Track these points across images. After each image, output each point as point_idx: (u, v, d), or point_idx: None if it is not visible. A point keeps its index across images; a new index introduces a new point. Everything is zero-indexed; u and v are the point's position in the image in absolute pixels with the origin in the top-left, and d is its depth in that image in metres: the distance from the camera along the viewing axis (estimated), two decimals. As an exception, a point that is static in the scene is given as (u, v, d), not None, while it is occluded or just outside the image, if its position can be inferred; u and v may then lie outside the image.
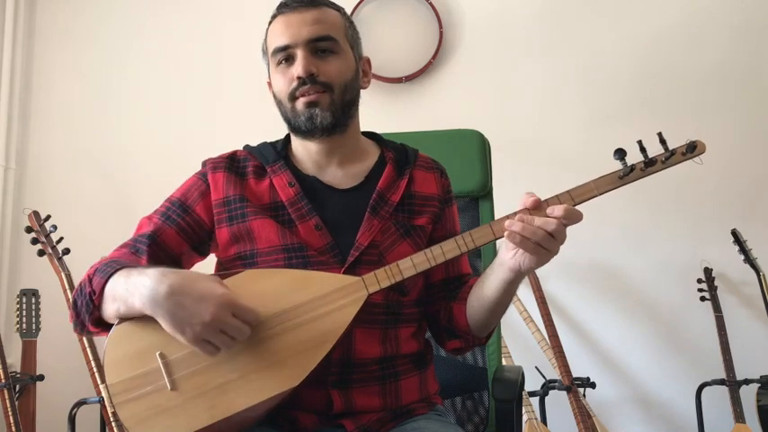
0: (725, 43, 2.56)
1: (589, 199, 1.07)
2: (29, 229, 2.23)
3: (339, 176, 1.26)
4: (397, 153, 1.31)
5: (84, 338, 2.16)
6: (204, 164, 1.29)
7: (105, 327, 1.12)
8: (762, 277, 2.36)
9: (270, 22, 1.26)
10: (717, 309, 2.36)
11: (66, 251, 2.22)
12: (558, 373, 2.30)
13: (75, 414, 2.16)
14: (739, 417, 2.25)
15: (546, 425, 2.27)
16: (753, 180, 2.51)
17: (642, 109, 2.57)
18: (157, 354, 1.05)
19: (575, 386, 2.28)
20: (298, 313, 1.07)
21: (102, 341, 1.11)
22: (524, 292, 2.44)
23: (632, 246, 2.54)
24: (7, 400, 2.14)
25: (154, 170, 2.69)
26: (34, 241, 2.21)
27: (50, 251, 2.21)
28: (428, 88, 2.70)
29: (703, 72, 2.56)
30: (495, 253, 1.19)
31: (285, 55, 1.21)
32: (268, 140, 1.33)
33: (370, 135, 1.36)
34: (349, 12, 1.68)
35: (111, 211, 2.74)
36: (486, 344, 1.38)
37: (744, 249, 2.37)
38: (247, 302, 1.03)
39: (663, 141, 1.07)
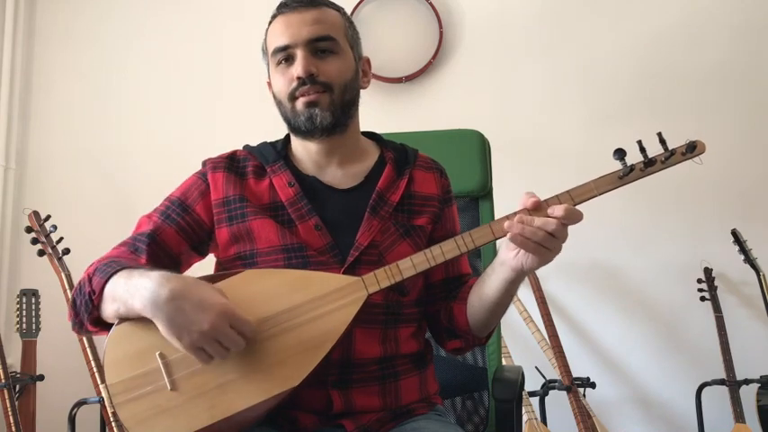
0: (725, 43, 2.56)
1: (589, 199, 1.07)
2: (29, 229, 2.23)
3: (339, 176, 1.26)
4: (397, 153, 1.31)
5: (84, 338, 2.16)
6: (204, 163, 1.29)
7: (104, 326, 1.12)
8: (762, 277, 2.36)
9: (270, 23, 1.26)
10: (717, 309, 2.36)
11: (66, 251, 2.23)
12: (558, 373, 2.30)
13: (75, 414, 2.16)
14: (739, 417, 2.25)
15: (546, 425, 2.27)
16: (753, 180, 2.51)
17: (642, 109, 2.57)
18: (157, 354, 1.05)
19: (575, 386, 2.28)
20: (297, 313, 1.07)
21: (102, 341, 1.11)
22: (524, 292, 2.44)
23: (632, 246, 2.54)
24: (7, 400, 2.15)
25: (154, 170, 2.69)
26: (34, 241, 2.21)
27: (50, 251, 2.22)
28: (428, 88, 2.70)
29: (703, 72, 2.56)
30: (495, 253, 1.19)
31: (285, 55, 1.21)
32: (268, 140, 1.33)
33: (370, 135, 1.36)
34: (349, 12, 1.68)
35: (111, 211, 2.74)
36: (486, 344, 1.38)
37: (744, 249, 2.37)
38: (246, 315, 1.03)
39: (663, 141, 1.07)
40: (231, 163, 1.27)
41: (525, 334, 2.41)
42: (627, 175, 1.07)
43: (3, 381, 2.17)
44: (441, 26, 2.67)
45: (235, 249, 1.21)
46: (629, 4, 2.63)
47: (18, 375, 2.28)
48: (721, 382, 2.28)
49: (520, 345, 2.47)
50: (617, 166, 1.07)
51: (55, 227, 2.23)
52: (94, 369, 2.15)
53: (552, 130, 2.62)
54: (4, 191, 2.77)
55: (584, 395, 2.32)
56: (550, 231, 1.03)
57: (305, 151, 1.27)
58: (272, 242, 1.18)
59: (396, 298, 1.20)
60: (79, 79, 2.88)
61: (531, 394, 2.27)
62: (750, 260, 2.36)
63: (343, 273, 1.14)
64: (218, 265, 1.26)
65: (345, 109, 1.23)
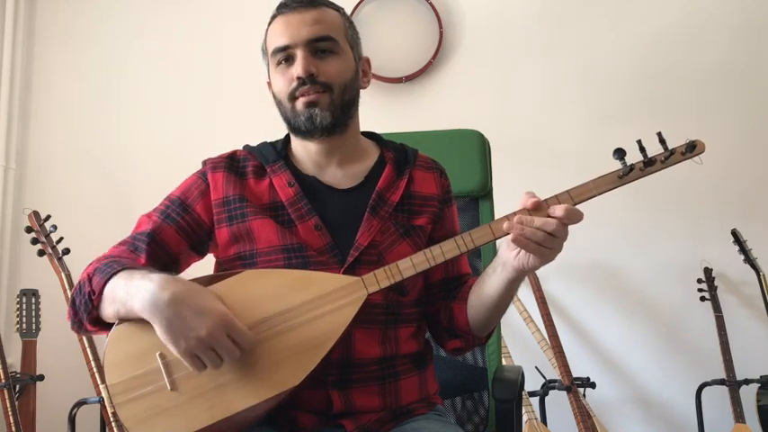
0: (725, 43, 2.56)
1: (588, 199, 1.07)
2: (29, 229, 2.23)
3: (339, 176, 1.26)
4: (397, 153, 1.31)
5: (84, 338, 2.16)
6: (204, 163, 1.29)
7: (103, 326, 1.12)
8: (762, 277, 2.36)
9: (269, 23, 1.26)
10: (717, 309, 2.36)
11: (67, 251, 2.23)
12: (558, 373, 2.30)
13: (75, 414, 2.16)
14: (739, 417, 2.25)
15: (546, 425, 2.27)
16: (753, 180, 2.51)
17: (642, 109, 2.57)
18: (157, 354, 1.05)
19: (575, 386, 2.28)
20: (297, 313, 1.07)
21: (102, 341, 1.11)
22: (524, 292, 2.44)
23: (632, 246, 2.54)
24: (7, 400, 2.15)
25: (154, 170, 2.69)
26: (34, 241, 2.21)
27: (50, 251, 2.22)
28: (428, 88, 2.70)
29: (703, 72, 2.56)
30: (494, 253, 1.19)
31: (285, 55, 1.21)
32: (268, 140, 1.33)
33: (370, 135, 1.36)
34: (349, 12, 1.68)
35: (111, 211, 2.74)
36: (486, 344, 1.38)
37: (744, 249, 2.37)
38: (244, 323, 1.03)
39: (662, 141, 1.07)
40: (231, 163, 1.27)
41: (525, 334, 2.41)
42: (626, 174, 1.06)
43: (3, 381, 2.17)
44: (441, 26, 2.67)
45: (235, 249, 1.21)
46: (629, 4, 2.63)
47: (18, 375, 2.28)
48: (721, 382, 2.28)
49: (520, 345, 2.47)
50: (617, 165, 1.07)
51: (55, 227, 2.23)
52: (94, 369, 2.15)
53: (552, 130, 2.62)
54: (4, 191, 2.77)
55: (584, 395, 2.32)
56: (550, 231, 1.03)
57: (305, 151, 1.27)
58: (272, 242, 1.18)
59: (395, 298, 1.20)
60: (79, 79, 2.88)
61: (531, 394, 2.27)
62: (750, 260, 2.36)
63: (343, 273, 1.14)
64: (218, 265, 1.26)
65: (345, 109, 1.23)
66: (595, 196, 1.08)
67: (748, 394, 2.29)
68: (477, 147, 1.64)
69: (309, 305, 1.07)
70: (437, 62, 2.68)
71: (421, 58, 2.68)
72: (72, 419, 2.15)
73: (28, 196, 2.83)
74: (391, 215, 1.23)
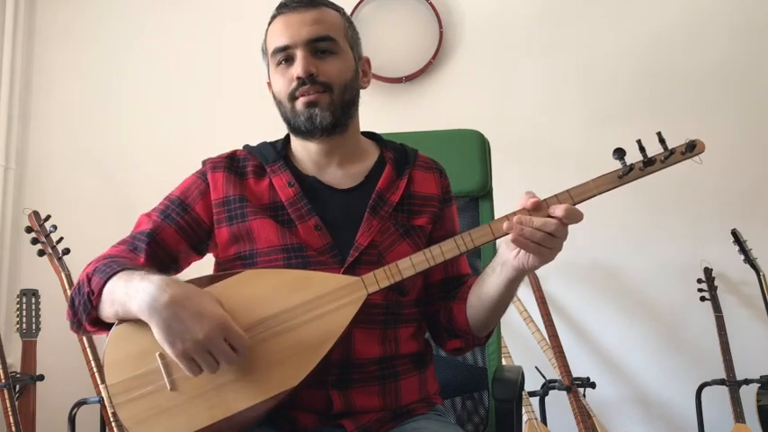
0: (725, 43, 2.56)
1: (588, 198, 1.07)
2: (29, 229, 2.23)
3: (339, 176, 1.26)
4: (397, 153, 1.31)
5: (84, 338, 2.16)
6: (204, 163, 1.29)
7: (103, 326, 1.12)
8: (762, 277, 2.36)
9: (269, 23, 1.26)
10: (717, 309, 2.36)
11: (66, 251, 2.23)
12: (558, 373, 2.30)
13: (75, 414, 2.16)
14: (739, 417, 2.25)
15: (546, 425, 2.27)
16: (753, 180, 2.51)
17: (642, 109, 2.57)
18: (157, 354, 1.05)
19: (575, 386, 2.28)
20: (297, 313, 1.07)
21: (102, 341, 1.11)
22: (524, 292, 2.44)
23: (632, 246, 2.54)
24: (7, 400, 2.15)
25: (154, 170, 2.69)
26: (34, 241, 2.21)
27: (50, 251, 2.22)
28: (428, 88, 2.70)
29: (703, 72, 2.56)
30: (494, 253, 1.19)
31: (285, 55, 1.21)
32: (268, 140, 1.33)
33: (370, 135, 1.36)
34: (349, 12, 1.68)
35: (111, 211, 2.74)
36: (485, 344, 1.38)
37: (744, 249, 2.37)
38: (241, 326, 1.03)
39: (662, 141, 1.07)
40: (231, 163, 1.27)
41: (525, 334, 2.41)
42: (626, 174, 1.06)
43: (3, 381, 2.17)
44: (441, 26, 2.67)
45: (234, 249, 1.21)
46: (629, 4, 2.63)
47: (18, 375, 2.28)
48: (721, 382, 2.28)
49: (520, 345, 2.47)
50: (617, 165, 1.07)
51: (55, 227, 2.23)
52: (94, 369, 2.15)
53: (552, 130, 2.62)
54: (4, 191, 2.77)
55: (584, 395, 2.32)
56: (550, 231, 1.03)
57: (305, 151, 1.27)
58: (272, 242, 1.18)
59: (395, 298, 1.20)
60: (79, 79, 2.88)
61: (531, 394, 2.27)
62: (750, 260, 2.36)
63: (343, 273, 1.14)
64: (218, 265, 1.26)
65: (345, 109, 1.23)
66: (595, 196, 1.08)
67: (748, 394, 2.29)
68: (477, 147, 1.64)
69: (309, 305, 1.07)
70: (437, 62, 2.68)
71: (421, 58, 2.68)
72: (72, 419, 2.15)
73: (28, 196, 2.83)
74: (391, 215, 1.23)
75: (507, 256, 1.09)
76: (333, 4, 1.28)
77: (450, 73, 2.70)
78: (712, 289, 2.39)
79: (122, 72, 2.86)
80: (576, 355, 2.48)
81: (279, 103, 1.25)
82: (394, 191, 1.25)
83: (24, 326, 2.34)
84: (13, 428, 2.13)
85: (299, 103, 1.20)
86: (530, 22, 2.68)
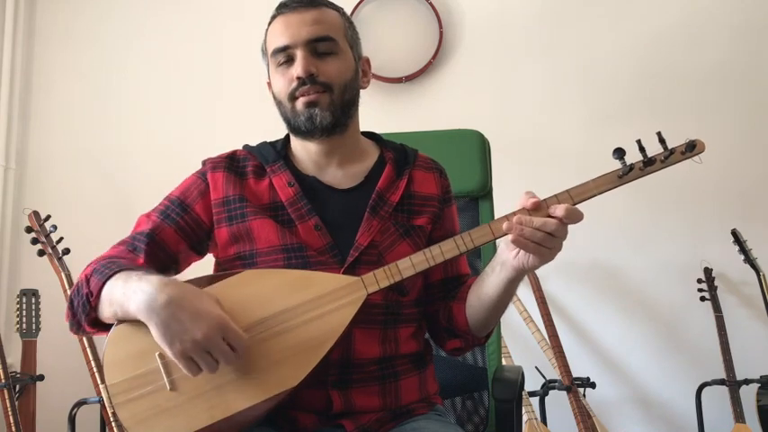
0: (725, 43, 2.56)
1: (588, 198, 1.07)
2: (29, 229, 2.23)
3: (339, 177, 1.26)
4: (397, 153, 1.31)
5: (84, 338, 2.16)
6: (204, 163, 1.29)
7: (102, 327, 1.12)
8: (762, 277, 2.36)
9: (269, 23, 1.26)
10: (717, 309, 2.36)
11: (66, 251, 2.23)
12: (558, 373, 2.29)
13: (75, 414, 2.16)
14: (739, 417, 2.25)
15: (546, 425, 2.27)
16: (753, 180, 2.51)
17: (642, 109, 2.57)
18: (157, 354, 1.05)
19: (575, 386, 2.28)
20: (297, 313, 1.07)
21: (102, 341, 1.11)
22: (524, 292, 2.44)
23: (632, 246, 2.54)
24: (7, 400, 2.15)
25: (154, 170, 2.69)
26: (34, 241, 2.21)
27: (50, 251, 2.22)
28: (428, 88, 2.70)
29: (703, 72, 2.56)
30: (494, 253, 1.19)
31: (285, 55, 1.21)
32: (268, 140, 1.33)
33: (370, 135, 1.36)
34: (349, 12, 1.68)
35: (111, 211, 2.74)
36: (485, 344, 1.38)
37: (744, 249, 2.37)
38: (240, 326, 1.02)
39: (662, 141, 1.07)
40: (231, 163, 1.27)
41: (525, 334, 2.41)
42: (626, 174, 1.06)
43: (3, 381, 2.17)
44: (441, 26, 2.67)
45: (234, 249, 1.21)
46: (629, 4, 2.63)
47: (18, 375, 2.28)
48: (721, 382, 2.28)
49: (520, 345, 2.47)
50: (617, 165, 1.07)
51: (55, 227, 2.23)
52: (94, 369, 2.15)
53: (552, 130, 2.62)
54: (4, 191, 2.77)
55: (584, 395, 2.32)
56: (550, 231, 1.03)
57: (305, 151, 1.27)
58: (272, 242, 1.18)
59: (395, 298, 1.20)
60: (79, 79, 2.88)
61: (531, 394, 2.27)
62: (750, 260, 2.36)
63: (343, 273, 1.14)
64: (218, 265, 1.26)
65: (345, 109, 1.23)
66: (595, 196, 1.08)
67: (748, 394, 2.29)
68: (477, 147, 1.64)
69: (309, 305, 1.07)
70: (437, 62, 2.68)
71: (421, 58, 2.68)
72: (72, 419, 2.15)
73: (28, 196, 2.83)
74: (391, 215, 1.23)
75: (507, 255, 1.09)
76: (333, 4, 1.28)
77: (450, 73, 2.70)
78: (712, 289, 2.39)
79: (122, 72, 2.86)
80: (576, 355, 2.48)
81: (279, 104, 1.25)
82: (394, 191, 1.25)
83: (24, 326, 2.34)
84: (13, 428, 2.13)
85: (300, 103, 1.20)
86: (530, 22, 2.68)
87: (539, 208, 1.06)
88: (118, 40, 2.88)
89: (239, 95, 2.72)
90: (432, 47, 2.67)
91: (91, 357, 2.15)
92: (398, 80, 2.67)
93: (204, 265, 1.27)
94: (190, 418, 1.03)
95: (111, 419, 2.09)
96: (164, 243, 1.20)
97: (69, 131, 2.86)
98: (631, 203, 2.48)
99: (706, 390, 2.31)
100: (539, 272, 2.46)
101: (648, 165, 1.06)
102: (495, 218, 1.13)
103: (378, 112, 2.49)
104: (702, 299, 2.39)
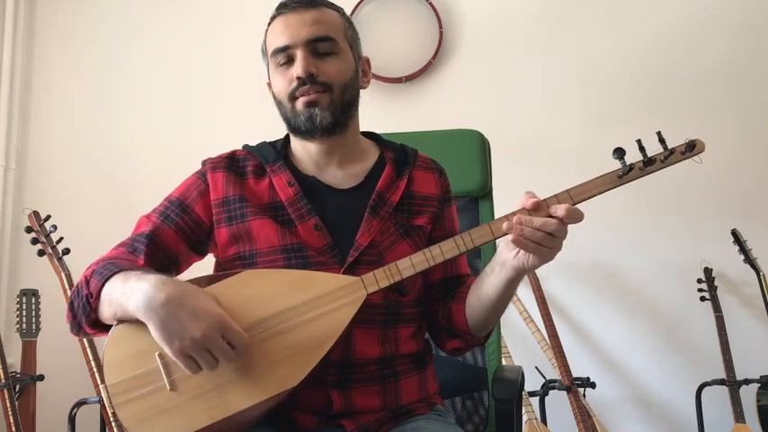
0: (725, 43, 2.56)
1: (588, 198, 1.07)
2: (29, 229, 2.23)
3: (339, 177, 1.26)
4: (397, 153, 1.31)
5: (84, 339, 2.16)
6: (204, 163, 1.29)
7: (103, 328, 1.12)
8: (762, 277, 2.36)
9: (269, 23, 1.26)
10: (717, 309, 2.36)
11: (66, 251, 2.23)
12: (558, 373, 2.29)
13: (75, 414, 2.16)
14: (739, 417, 2.25)
15: (546, 425, 2.27)
16: (753, 180, 2.51)
17: (642, 109, 2.57)
18: (157, 354, 1.05)
19: (575, 386, 2.28)
20: (297, 313, 1.07)
21: (102, 341, 1.11)
22: (524, 292, 2.44)
23: (632, 246, 2.54)
24: (7, 400, 2.15)
25: (154, 170, 2.69)
26: (34, 241, 2.21)
27: (50, 251, 2.22)
28: (428, 88, 2.70)
29: (703, 72, 2.56)
30: (494, 253, 1.19)
31: (285, 56, 1.21)
32: (268, 140, 1.33)
33: (370, 135, 1.36)
34: (349, 12, 1.68)
35: (111, 211, 2.74)
36: (484, 344, 1.38)
37: (744, 249, 2.37)
38: (240, 325, 1.02)
39: (662, 140, 1.07)
40: (231, 163, 1.27)
41: (525, 334, 2.41)
42: (626, 174, 1.06)
43: (3, 381, 2.17)
44: (441, 26, 2.67)
45: (234, 250, 1.21)
46: (629, 4, 2.63)
47: (18, 375, 2.28)
48: (721, 382, 2.28)
49: (520, 345, 2.47)
50: (617, 165, 1.07)
51: (55, 227, 2.23)
52: (94, 369, 2.15)
53: (552, 130, 2.62)
54: (4, 191, 2.77)
55: (584, 395, 2.32)
56: (550, 231, 1.03)
57: (304, 151, 1.27)
58: (272, 242, 1.18)
59: (395, 298, 1.20)
60: (79, 79, 2.88)
61: (531, 394, 2.27)
62: (750, 260, 2.36)
63: (343, 273, 1.14)
64: (218, 266, 1.26)
65: (345, 109, 1.23)
66: (595, 196, 1.08)
67: (748, 394, 2.29)
68: (477, 147, 1.64)
69: (309, 305, 1.07)
70: (437, 62, 2.68)
71: (421, 58, 2.68)
72: (72, 419, 2.15)
73: (28, 196, 2.83)
74: (391, 215, 1.23)
75: (506, 255, 1.10)
76: (332, 4, 1.28)
77: (450, 73, 2.70)
78: (712, 289, 2.39)
79: (122, 72, 2.86)
80: (576, 355, 2.48)
81: (279, 104, 1.25)
82: (394, 191, 1.25)
83: (24, 326, 2.34)
84: (13, 428, 2.13)
85: (300, 103, 1.20)
86: (530, 22, 2.68)
87: (539, 208, 1.06)
88: (118, 40, 2.88)
89: (239, 95, 2.72)
90: (432, 47, 2.67)
91: (91, 357, 2.15)
92: (398, 80, 2.67)
93: (204, 266, 1.27)
94: (190, 418, 1.03)
95: (111, 419, 2.09)
96: (164, 244, 1.20)
97: (69, 131, 2.86)
98: (631, 203, 2.48)
99: (706, 390, 2.31)
100: (539, 272, 2.46)
101: (648, 165, 1.06)
102: (495, 218, 1.13)
103: (378, 112, 2.49)
104: (702, 299, 2.39)
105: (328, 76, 1.20)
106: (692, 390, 2.32)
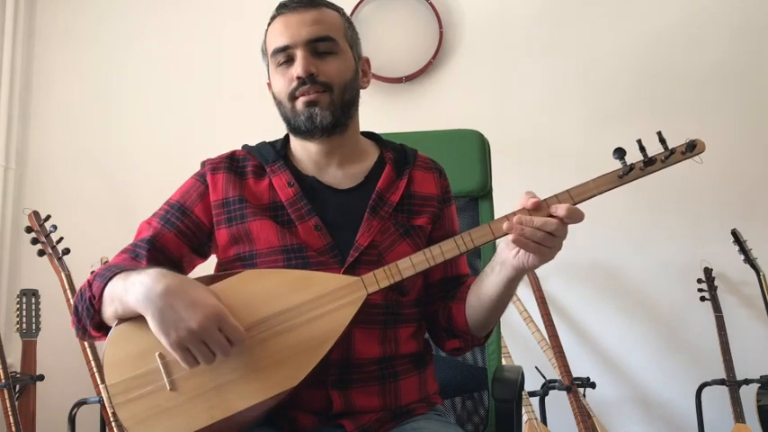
0: (725, 43, 2.56)
1: (588, 198, 1.07)
2: (29, 229, 2.23)
3: (338, 177, 1.26)
4: (397, 153, 1.31)
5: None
6: (203, 164, 1.29)
7: (107, 331, 1.11)
8: (762, 277, 2.36)
9: (269, 23, 1.26)
10: (717, 309, 2.36)
11: (66, 251, 2.22)
12: (558, 373, 2.29)
13: (75, 414, 2.16)
14: (739, 417, 2.25)
15: (546, 425, 2.27)
16: (753, 180, 2.51)
17: (642, 109, 2.57)
18: (157, 354, 1.05)
19: (575, 386, 2.28)
20: (297, 313, 1.07)
21: (102, 341, 1.11)
22: (524, 292, 2.44)
23: (632, 246, 2.54)
24: (7, 400, 2.15)
25: (154, 170, 2.69)
26: (34, 241, 2.21)
27: (50, 251, 2.21)
28: (428, 88, 2.70)
29: (703, 72, 2.56)
30: (494, 252, 1.19)
31: (285, 56, 1.21)
32: (267, 140, 1.33)
33: (370, 135, 1.36)
34: (349, 12, 1.68)
35: (111, 211, 2.74)
36: (484, 344, 1.38)
37: (744, 249, 2.37)
38: (239, 320, 1.02)
39: (662, 140, 1.07)
40: (231, 163, 1.27)
41: (525, 334, 2.41)
42: (626, 174, 1.06)
43: (3, 381, 2.17)
44: (441, 26, 2.67)
45: (234, 250, 1.21)
46: (629, 4, 2.63)
47: (18, 375, 2.28)
48: (721, 382, 2.28)
49: (520, 345, 2.47)
50: (617, 165, 1.07)
51: (55, 227, 2.23)
52: (94, 369, 2.15)
53: (552, 130, 2.62)
54: (4, 191, 2.77)
55: (584, 395, 2.32)
56: (551, 231, 1.03)
57: (304, 151, 1.27)
58: (272, 243, 1.18)
59: (395, 298, 1.20)
60: (79, 79, 2.88)
61: (531, 394, 2.27)
62: (750, 260, 2.36)
63: (343, 273, 1.14)
64: (219, 266, 1.26)
65: (345, 109, 1.23)
66: (595, 196, 1.08)
67: (748, 394, 2.29)
68: (477, 147, 1.64)
69: (309, 305, 1.07)
70: (437, 62, 2.68)
71: (421, 58, 2.68)
72: (72, 419, 2.15)
73: (28, 196, 2.83)
74: (391, 215, 1.23)
75: (506, 255, 1.10)
76: (332, 4, 1.28)
77: (450, 73, 2.70)
78: (712, 289, 2.39)
79: (122, 72, 2.86)
80: (576, 355, 2.48)
81: (279, 104, 1.25)
82: (394, 191, 1.25)
83: (24, 326, 2.34)
84: (13, 428, 2.13)
85: (299, 103, 1.20)
86: (530, 22, 2.68)
87: (539, 208, 1.06)
88: (118, 40, 2.88)
89: (239, 95, 2.72)
90: (432, 47, 2.67)
91: (91, 357, 2.15)
92: (398, 80, 2.67)
93: (206, 266, 1.27)
94: (190, 418, 1.03)
95: (111, 419, 2.09)
96: (165, 248, 1.21)
97: (69, 131, 2.86)
98: (631, 203, 2.48)
99: (706, 390, 2.31)
100: (539, 272, 2.46)
101: (649, 165, 1.06)
102: (495, 218, 1.13)
103: (378, 112, 2.49)
104: (702, 299, 2.39)
105: (328, 76, 1.20)
106: (692, 390, 2.32)
